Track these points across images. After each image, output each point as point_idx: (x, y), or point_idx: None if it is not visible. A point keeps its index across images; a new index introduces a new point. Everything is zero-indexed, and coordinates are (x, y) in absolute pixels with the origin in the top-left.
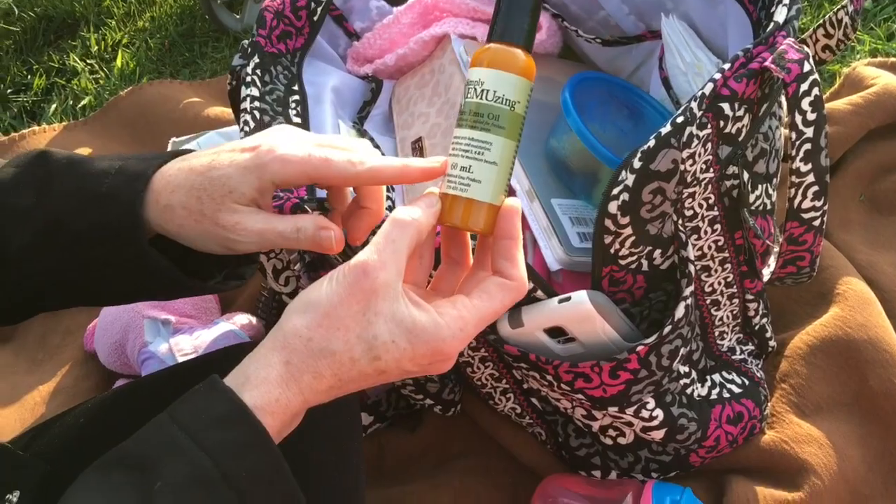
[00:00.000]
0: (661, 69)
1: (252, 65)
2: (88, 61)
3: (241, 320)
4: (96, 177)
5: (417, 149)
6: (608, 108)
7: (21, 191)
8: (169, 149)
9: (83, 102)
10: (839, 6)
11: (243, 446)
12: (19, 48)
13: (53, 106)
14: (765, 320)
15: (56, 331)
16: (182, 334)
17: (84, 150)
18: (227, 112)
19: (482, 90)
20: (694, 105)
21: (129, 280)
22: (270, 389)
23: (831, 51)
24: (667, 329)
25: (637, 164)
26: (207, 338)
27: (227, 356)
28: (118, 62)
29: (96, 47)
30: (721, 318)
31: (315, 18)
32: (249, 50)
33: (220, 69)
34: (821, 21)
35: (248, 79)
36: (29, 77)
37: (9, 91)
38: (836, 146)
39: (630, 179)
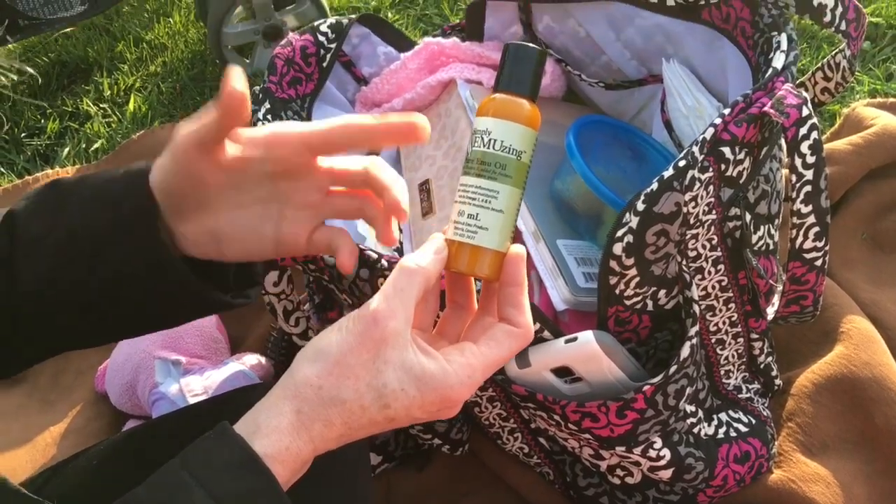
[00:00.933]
0: (663, 112)
1: (263, 110)
2: (101, 105)
3: (250, 360)
4: (105, 182)
5: (425, 190)
6: (612, 150)
7: (32, 220)
8: None
9: (95, 146)
10: (837, 50)
11: (254, 494)
12: (33, 92)
13: (66, 149)
14: (770, 359)
15: (68, 371)
16: (192, 375)
17: None
18: None
19: (489, 139)
20: (695, 149)
21: (145, 290)
22: (281, 438)
23: (830, 93)
24: (672, 369)
25: (640, 206)
26: (218, 378)
27: (238, 398)
28: (130, 106)
29: (109, 92)
30: (726, 357)
31: (324, 65)
32: (261, 96)
33: None
34: (819, 64)
35: (260, 123)
36: (42, 121)
37: (23, 135)
38: (837, 186)
39: (634, 222)
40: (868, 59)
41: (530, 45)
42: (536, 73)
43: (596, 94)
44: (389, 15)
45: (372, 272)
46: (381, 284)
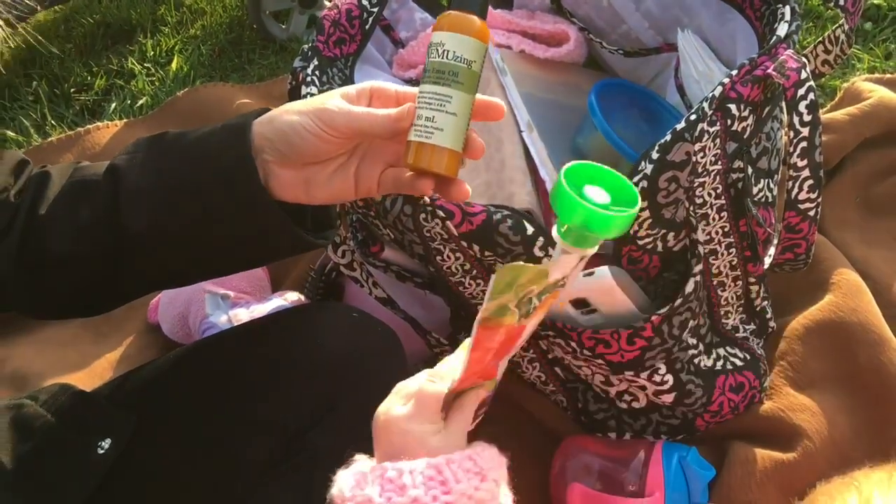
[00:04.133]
0: (677, 77)
1: (311, 66)
2: (145, 65)
3: (291, 297)
4: (205, 136)
5: None
6: (629, 111)
7: (135, 172)
8: None
9: (140, 102)
10: (836, 25)
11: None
12: (80, 51)
13: (113, 105)
14: (766, 303)
15: None
16: (240, 308)
17: None
18: None
19: (443, 50)
20: (706, 105)
21: (242, 233)
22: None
23: (829, 65)
24: (678, 301)
25: (655, 155)
26: (262, 310)
27: (280, 317)
28: (173, 66)
29: (152, 52)
30: (726, 299)
31: (367, 27)
32: (309, 53)
33: (266, 74)
34: (820, 38)
35: (308, 79)
36: (89, 78)
37: (72, 90)
38: (834, 153)
39: (648, 169)
40: (869, 39)
41: None
42: None
43: (615, 60)
44: None
45: (414, 208)
46: (423, 220)
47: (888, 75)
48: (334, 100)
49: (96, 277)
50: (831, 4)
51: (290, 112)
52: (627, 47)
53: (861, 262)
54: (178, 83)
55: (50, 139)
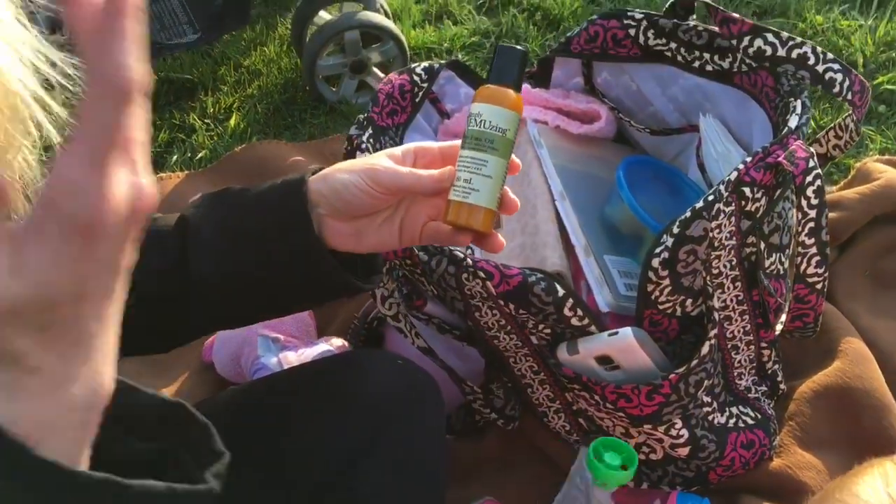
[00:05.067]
0: (698, 156)
1: (366, 135)
2: (205, 120)
3: (336, 343)
4: (266, 191)
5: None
6: (654, 185)
7: (203, 224)
8: None
9: (200, 155)
10: (846, 114)
11: None
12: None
13: (175, 157)
14: (777, 366)
15: None
16: (289, 350)
17: None
18: None
19: (481, 120)
20: (722, 187)
21: (297, 279)
22: None
23: (840, 149)
24: (694, 362)
25: (676, 230)
26: (310, 354)
27: (331, 361)
28: (231, 123)
29: (212, 109)
30: (740, 361)
31: (417, 100)
32: (365, 123)
33: (317, 133)
34: (833, 125)
35: (364, 146)
36: (153, 131)
37: None
38: (845, 229)
39: (670, 242)
40: (882, 121)
41: (516, 46)
42: (520, 69)
43: (642, 137)
44: (460, 56)
45: (457, 268)
46: (465, 279)
47: None
48: (382, 160)
49: (166, 317)
50: (840, 99)
51: (342, 171)
52: (654, 126)
53: (868, 332)
54: (236, 139)
55: None
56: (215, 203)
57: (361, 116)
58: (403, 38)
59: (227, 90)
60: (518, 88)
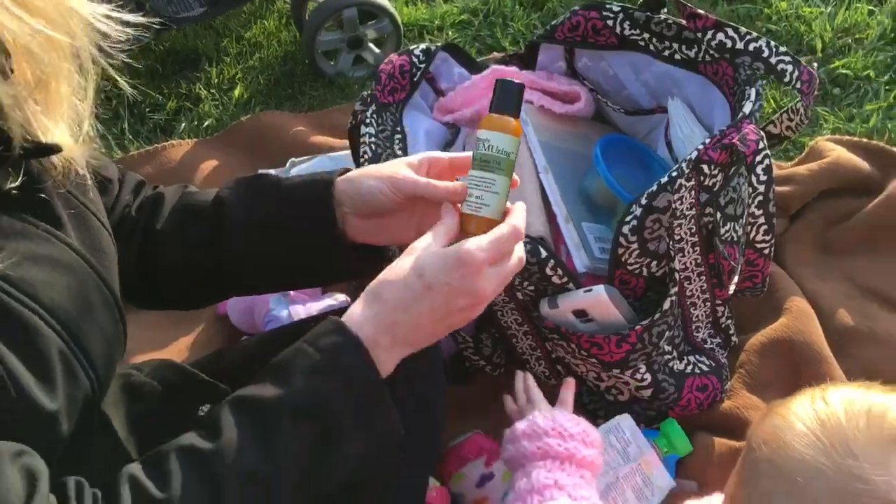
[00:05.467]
0: (666, 135)
1: (370, 110)
2: (210, 90)
3: (339, 297)
4: (296, 186)
5: None
6: (626, 160)
7: (236, 207)
8: (287, 167)
9: (206, 123)
10: (797, 100)
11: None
12: (151, 75)
13: (183, 124)
14: (730, 321)
15: None
16: (297, 304)
17: (212, 163)
18: (329, 140)
19: (488, 145)
20: (684, 165)
21: (318, 262)
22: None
23: (792, 130)
24: (657, 315)
25: (644, 201)
26: (316, 307)
27: (331, 315)
28: (236, 93)
29: (216, 79)
30: (697, 316)
31: (415, 79)
32: (368, 99)
33: (315, 104)
34: (786, 108)
35: (367, 121)
36: (161, 99)
37: (147, 110)
38: (796, 202)
39: (638, 211)
40: (836, 103)
41: (514, 81)
42: (518, 100)
43: (618, 117)
44: (450, 33)
45: None
46: None
47: (847, 137)
48: (402, 169)
49: (199, 283)
50: (789, 87)
51: (368, 176)
52: (628, 107)
53: (812, 293)
54: (240, 108)
55: (131, 153)
56: (250, 190)
57: (365, 93)
58: (398, 16)
59: (229, 62)
60: (517, 116)
